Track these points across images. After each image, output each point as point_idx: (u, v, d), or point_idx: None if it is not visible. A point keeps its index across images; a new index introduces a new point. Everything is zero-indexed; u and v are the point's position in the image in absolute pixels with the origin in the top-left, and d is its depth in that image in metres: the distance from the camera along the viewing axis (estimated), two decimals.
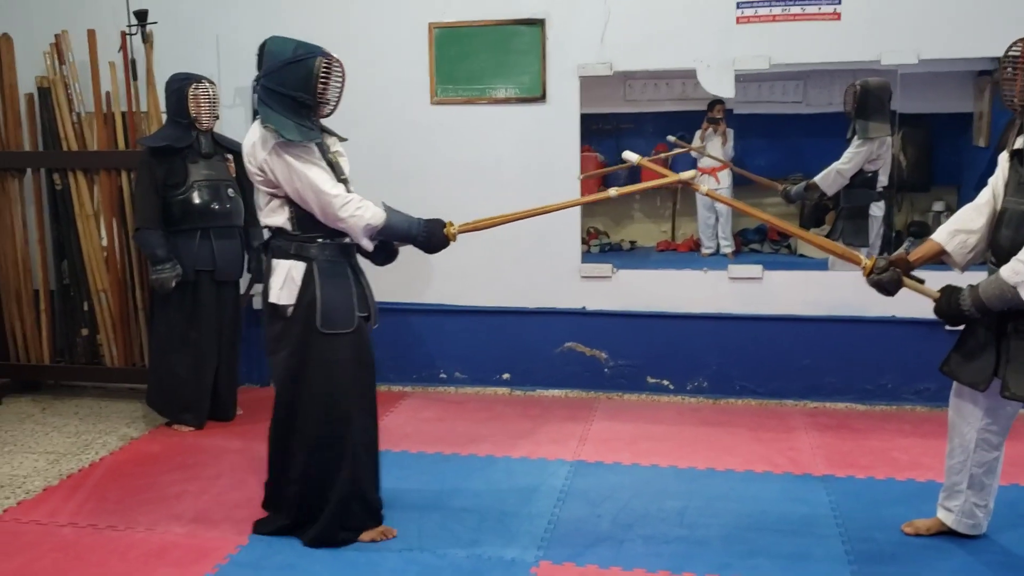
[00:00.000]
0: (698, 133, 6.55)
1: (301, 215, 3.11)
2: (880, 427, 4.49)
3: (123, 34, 4.93)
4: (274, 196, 3.12)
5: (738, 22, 4.65)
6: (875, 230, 5.21)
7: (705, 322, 4.93)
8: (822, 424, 4.55)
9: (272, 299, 3.15)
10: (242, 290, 4.77)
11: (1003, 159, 2.95)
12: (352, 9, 5.01)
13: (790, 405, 4.87)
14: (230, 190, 4.53)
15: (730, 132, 6.12)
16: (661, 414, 4.77)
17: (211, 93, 4.45)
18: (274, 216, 3.15)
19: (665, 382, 5.04)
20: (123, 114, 4.99)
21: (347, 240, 3.18)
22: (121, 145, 4.98)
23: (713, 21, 4.67)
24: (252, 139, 3.09)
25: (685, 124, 6.73)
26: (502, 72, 4.90)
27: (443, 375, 5.25)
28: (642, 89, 6.76)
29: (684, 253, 7.23)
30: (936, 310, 2.94)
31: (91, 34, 4.93)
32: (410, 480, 3.86)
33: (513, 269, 5.03)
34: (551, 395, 5.12)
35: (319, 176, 3.02)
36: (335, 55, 3.09)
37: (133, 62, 4.93)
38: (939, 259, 3.06)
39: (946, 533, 3.21)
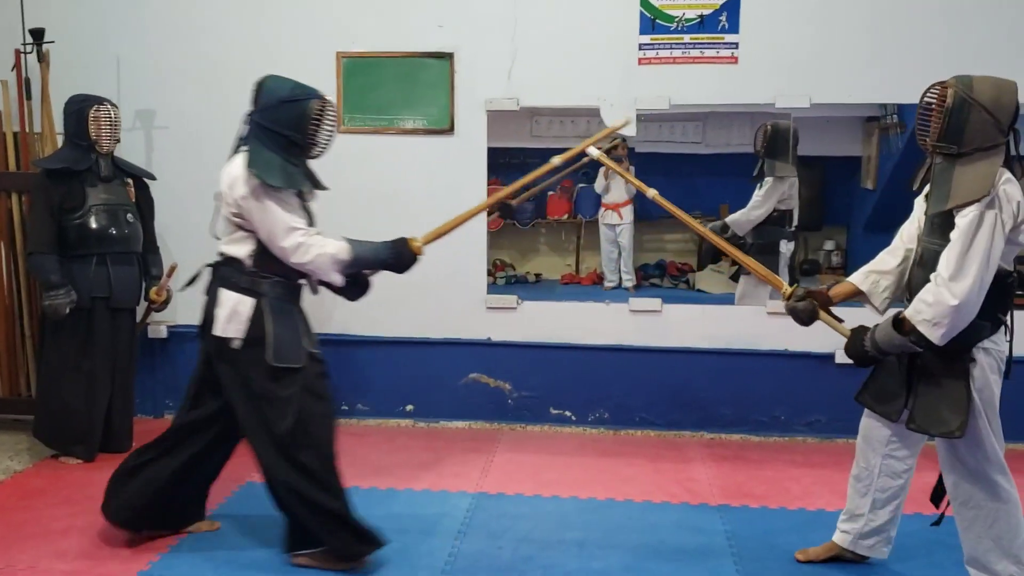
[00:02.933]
0: (601, 170, 6.70)
1: (263, 252, 3.11)
2: (773, 458, 4.62)
3: (17, 52, 4.77)
4: (241, 228, 3.12)
5: (640, 63, 4.79)
6: (781, 267, 5.39)
7: (606, 354, 5.02)
8: (718, 455, 4.67)
9: (217, 332, 3.11)
10: (138, 317, 4.65)
11: (918, 202, 3.05)
12: (260, 35, 4.97)
13: (688, 436, 4.98)
14: (129, 215, 4.42)
15: (631, 170, 6.28)
16: (563, 445, 4.82)
17: (113, 115, 4.35)
18: (235, 246, 3.14)
19: (567, 413, 5.10)
20: (15, 134, 4.82)
21: (300, 281, 3.21)
22: (12, 166, 4.80)
23: (616, 62, 4.80)
24: (234, 174, 3.07)
25: (589, 161, 6.84)
26: (410, 103, 4.93)
27: (344, 407, 5.18)
28: (548, 125, 6.89)
29: (587, 286, 7.36)
30: (845, 350, 3.00)
31: None
32: None
33: (418, 300, 5.02)
34: (455, 427, 5.11)
35: (293, 221, 3.05)
36: (329, 98, 3.15)
37: (27, 81, 4.77)
38: (857, 298, 3.14)
39: (838, 559, 3.30)
